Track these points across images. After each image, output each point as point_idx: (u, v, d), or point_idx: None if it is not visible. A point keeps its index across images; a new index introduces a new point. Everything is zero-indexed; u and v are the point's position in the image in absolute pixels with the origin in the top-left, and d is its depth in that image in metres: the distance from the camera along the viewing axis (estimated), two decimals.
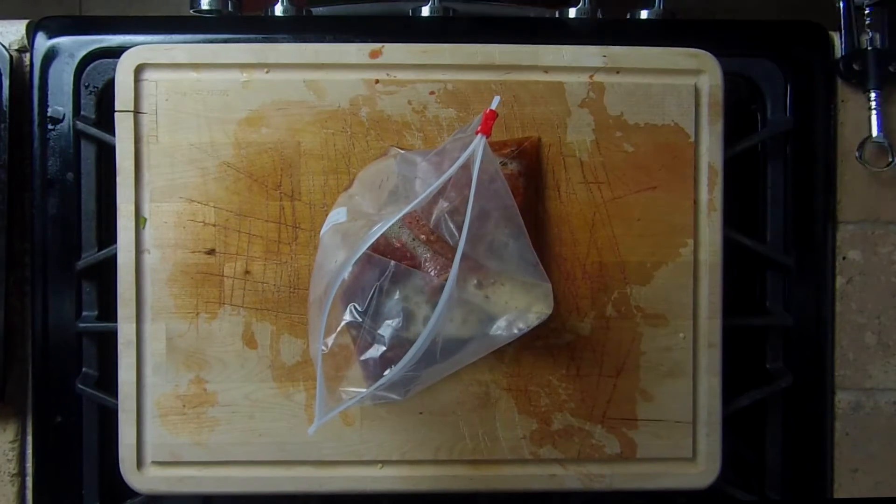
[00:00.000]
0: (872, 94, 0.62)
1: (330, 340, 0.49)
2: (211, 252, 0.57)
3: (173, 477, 0.57)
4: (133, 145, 0.57)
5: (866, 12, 0.63)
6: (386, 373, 0.47)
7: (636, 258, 0.57)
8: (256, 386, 0.57)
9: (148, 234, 0.57)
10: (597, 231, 0.57)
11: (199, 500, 0.61)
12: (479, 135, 0.49)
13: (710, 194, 0.58)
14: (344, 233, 0.52)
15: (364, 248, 0.48)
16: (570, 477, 0.58)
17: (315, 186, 0.57)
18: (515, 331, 0.51)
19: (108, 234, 0.60)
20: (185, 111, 0.57)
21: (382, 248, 0.51)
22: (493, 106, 0.50)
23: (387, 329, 0.49)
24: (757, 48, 0.63)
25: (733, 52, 0.61)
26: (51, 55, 0.60)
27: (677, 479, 0.58)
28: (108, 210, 0.60)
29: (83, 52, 0.60)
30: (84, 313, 0.60)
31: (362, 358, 0.50)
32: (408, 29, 0.62)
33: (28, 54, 0.61)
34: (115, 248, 0.57)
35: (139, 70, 0.57)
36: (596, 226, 0.57)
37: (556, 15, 0.65)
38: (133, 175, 0.57)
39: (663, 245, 0.58)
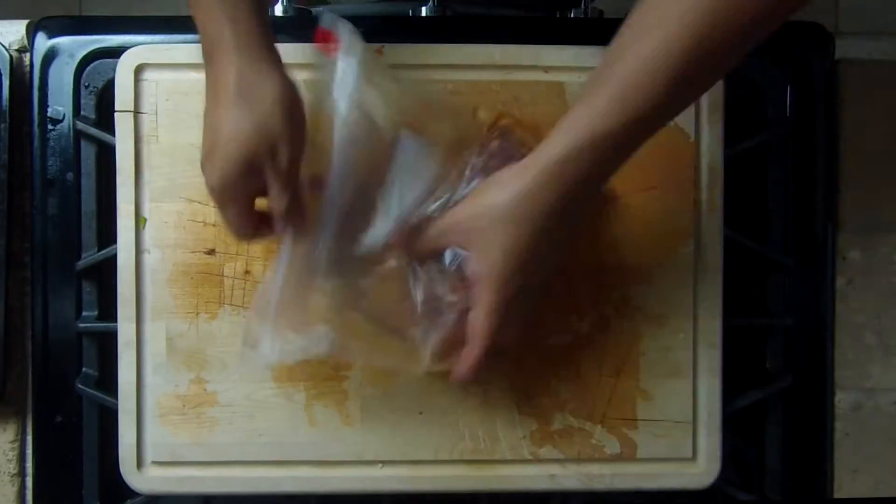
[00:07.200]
0: None
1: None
2: (211, 252, 0.57)
3: (173, 477, 0.57)
4: (133, 145, 0.57)
5: None
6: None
7: (636, 258, 0.57)
8: (256, 386, 0.57)
9: (148, 234, 0.57)
10: (597, 231, 0.57)
11: (199, 500, 0.60)
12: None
13: (710, 194, 0.58)
14: None
15: None
16: (570, 477, 0.58)
17: None
18: None
19: (108, 234, 0.60)
20: (185, 111, 0.57)
21: None
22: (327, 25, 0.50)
23: None
24: (757, 48, 0.63)
25: None
26: (51, 55, 0.60)
27: (677, 479, 0.58)
28: (108, 210, 0.60)
29: (83, 52, 0.60)
30: (84, 313, 0.60)
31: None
32: (408, 29, 0.62)
33: (28, 54, 0.61)
34: (115, 248, 0.57)
35: (139, 70, 0.57)
36: (596, 225, 0.57)
37: (557, 15, 0.65)
38: (133, 175, 0.57)
39: (663, 245, 0.58)
